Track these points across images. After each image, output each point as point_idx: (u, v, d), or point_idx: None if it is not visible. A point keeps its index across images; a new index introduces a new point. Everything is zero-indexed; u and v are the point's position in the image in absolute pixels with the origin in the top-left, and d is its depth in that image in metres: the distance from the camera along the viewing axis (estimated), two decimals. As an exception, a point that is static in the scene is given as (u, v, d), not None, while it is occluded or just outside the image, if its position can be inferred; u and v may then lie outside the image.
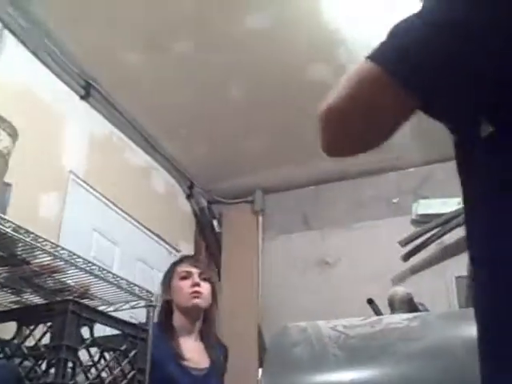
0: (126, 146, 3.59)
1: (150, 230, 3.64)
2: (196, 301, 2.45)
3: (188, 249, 4.10)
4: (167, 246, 3.84)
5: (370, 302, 2.46)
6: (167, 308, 2.51)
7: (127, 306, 2.24)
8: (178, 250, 3.93)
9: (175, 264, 2.68)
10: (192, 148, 3.88)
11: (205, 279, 2.54)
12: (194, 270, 2.53)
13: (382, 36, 2.88)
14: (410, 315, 1.98)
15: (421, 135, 3.61)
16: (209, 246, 4.23)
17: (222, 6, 2.77)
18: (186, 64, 3.13)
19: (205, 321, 2.53)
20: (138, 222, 3.54)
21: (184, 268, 2.56)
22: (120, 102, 3.41)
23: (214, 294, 2.57)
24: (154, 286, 3.51)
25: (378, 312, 2.40)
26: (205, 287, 2.51)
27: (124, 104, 3.43)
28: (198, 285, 2.48)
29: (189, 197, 4.21)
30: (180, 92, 3.34)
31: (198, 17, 2.83)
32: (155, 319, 2.31)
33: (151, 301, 2.20)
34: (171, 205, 4.03)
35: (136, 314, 2.49)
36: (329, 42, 2.95)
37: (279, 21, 2.83)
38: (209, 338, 2.51)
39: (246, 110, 3.48)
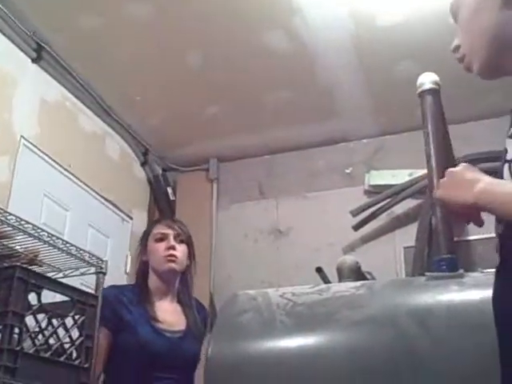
0: (79, 112, 3.53)
1: (102, 197, 3.62)
2: (171, 265, 2.40)
3: (141, 216, 4.10)
4: (120, 213, 3.82)
5: (319, 270, 2.50)
6: (144, 269, 2.46)
7: (77, 272, 2.23)
8: (131, 217, 3.92)
9: (152, 225, 2.63)
10: (147, 115, 3.85)
11: (181, 241, 2.47)
12: (170, 232, 2.46)
13: (336, 7, 2.88)
14: (358, 283, 2.02)
15: (374, 108, 3.66)
16: (162, 214, 4.22)
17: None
18: (143, 29, 3.08)
19: (182, 283, 2.49)
20: (91, 189, 3.51)
21: (159, 230, 2.49)
22: (73, 66, 3.34)
23: (190, 255, 2.51)
24: (107, 252, 3.52)
25: (326, 280, 2.44)
26: (180, 250, 2.45)
27: (78, 68, 3.37)
28: (173, 248, 2.42)
29: (143, 164, 4.18)
30: (136, 58, 3.30)
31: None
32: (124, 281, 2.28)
33: (101, 267, 2.20)
34: (125, 171, 4.00)
35: (88, 282, 2.48)
36: (285, 10, 2.93)
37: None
38: (186, 300, 2.47)
39: (202, 78, 3.45)
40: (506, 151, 1.10)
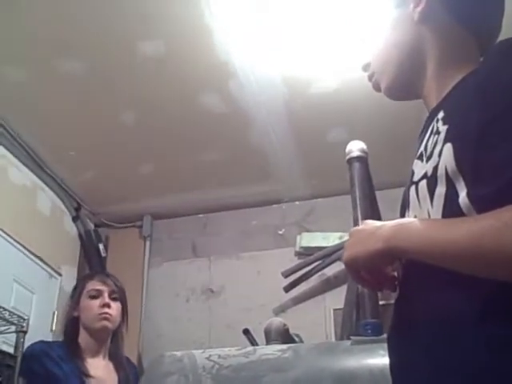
0: (10, 164, 3.46)
1: (30, 251, 3.51)
2: (104, 323, 2.35)
3: (71, 272, 4.00)
4: (48, 269, 3.71)
5: (246, 332, 2.48)
6: (74, 325, 2.38)
7: (-4, 331, 2.16)
8: (59, 274, 3.82)
9: (85, 280, 2.55)
10: (81, 170, 3.81)
11: (115, 298, 2.43)
12: (105, 289, 2.42)
13: (271, 72, 2.95)
14: (284, 346, 2.01)
15: (307, 171, 3.73)
16: (93, 270, 4.13)
17: (116, 31, 2.76)
18: (79, 86, 3.07)
19: (113, 340, 2.43)
20: (18, 242, 3.41)
21: (94, 286, 2.43)
22: (5, 118, 3.30)
23: (123, 313, 2.47)
24: (32, 309, 3.41)
25: (253, 342, 2.43)
26: (115, 307, 2.40)
27: (9, 121, 3.32)
28: (107, 305, 2.37)
29: (75, 219, 4.10)
30: (70, 113, 3.28)
31: (93, 38, 2.80)
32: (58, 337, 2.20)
33: (22, 326, 2.13)
34: (56, 226, 3.92)
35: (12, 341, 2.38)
36: (220, 74, 2.99)
37: (172, 50, 2.85)
38: (117, 358, 2.41)
39: (137, 135, 3.46)
40: (412, 173, 1.05)
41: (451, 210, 0.90)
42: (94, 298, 2.40)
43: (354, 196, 2.15)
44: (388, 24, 1.19)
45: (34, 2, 2.60)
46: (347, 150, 2.22)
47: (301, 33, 2.73)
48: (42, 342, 2.32)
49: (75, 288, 2.54)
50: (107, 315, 2.36)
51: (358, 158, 2.19)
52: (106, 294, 2.41)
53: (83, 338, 2.37)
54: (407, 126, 3.14)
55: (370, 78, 1.24)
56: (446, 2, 1.11)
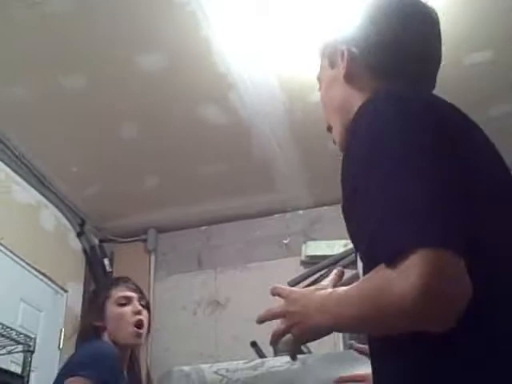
0: (13, 183, 3.47)
1: (35, 269, 3.51)
2: (139, 340, 2.15)
3: (77, 288, 3.99)
4: (54, 286, 3.71)
5: (254, 344, 2.46)
6: (95, 335, 2.12)
7: (3, 351, 2.15)
8: (65, 290, 3.82)
9: (110, 286, 2.30)
10: (84, 185, 3.81)
11: (143, 305, 2.22)
12: (134, 295, 2.21)
13: (270, 83, 2.94)
14: (293, 357, 2.00)
15: (309, 179, 3.73)
16: (99, 286, 4.12)
17: (116, 45, 2.77)
18: (79, 101, 3.08)
19: (132, 355, 2.21)
20: (24, 261, 3.41)
21: (123, 292, 2.20)
22: (9, 137, 3.30)
23: (149, 322, 2.26)
24: (38, 327, 3.40)
25: (261, 354, 2.41)
26: (145, 315, 2.20)
27: (13, 140, 3.33)
28: (139, 312, 2.17)
29: (79, 235, 4.10)
30: (72, 129, 3.29)
31: (92, 54, 2.80)
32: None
33: (29, 345, 2.12)
34: (60, 243, 3.92)
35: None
36: (220, 86, 3.00)
37: (171, 63, 2.86)
38: (135, 373, 2.21)
39: (139, 149, 3.46)
40: None
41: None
42: (123, 305, 2.19)
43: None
44: (326, 81, 1.22)
45: (34, 21, 2.61)
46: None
47: (299, 41, 2.74)
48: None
49: (96, 296, 2.34)
50: (141, 324, 2.16)
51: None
52: (135, 301, 2.21)
53: None
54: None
55: (329, 129, 1.24)
56: (367, 60, 1.13)
